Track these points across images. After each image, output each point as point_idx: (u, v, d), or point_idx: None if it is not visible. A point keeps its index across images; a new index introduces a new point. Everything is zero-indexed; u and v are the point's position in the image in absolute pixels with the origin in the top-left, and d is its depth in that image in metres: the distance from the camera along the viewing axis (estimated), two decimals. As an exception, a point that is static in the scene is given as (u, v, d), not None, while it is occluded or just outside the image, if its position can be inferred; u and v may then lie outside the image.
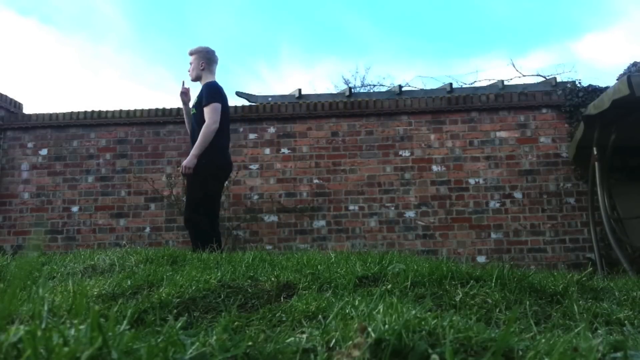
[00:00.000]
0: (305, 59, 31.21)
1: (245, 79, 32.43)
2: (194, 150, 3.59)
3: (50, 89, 30.30)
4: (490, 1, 29.89)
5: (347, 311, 1.15)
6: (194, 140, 3.77)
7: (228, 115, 3.90)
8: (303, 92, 6.33)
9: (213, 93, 3.71)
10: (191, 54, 3.93)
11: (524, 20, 28.42)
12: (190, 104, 3.93)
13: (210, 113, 3.63)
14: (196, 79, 3.92)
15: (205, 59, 3.87)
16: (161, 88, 32.51)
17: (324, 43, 32.26)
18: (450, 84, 6.36)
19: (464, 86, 7.80)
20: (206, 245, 3.33)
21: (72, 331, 0.72)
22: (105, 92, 29.04)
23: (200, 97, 3.78)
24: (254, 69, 30.95)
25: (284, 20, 31.78)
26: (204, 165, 3.60)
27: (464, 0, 27.96)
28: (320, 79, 33.19)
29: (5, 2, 25.85)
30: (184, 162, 3.60)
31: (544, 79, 7.27)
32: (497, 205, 5.26)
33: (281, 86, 33.18)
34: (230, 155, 3.96)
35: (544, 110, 5.47)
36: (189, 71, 3.95)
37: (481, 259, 5.10)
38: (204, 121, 3.67)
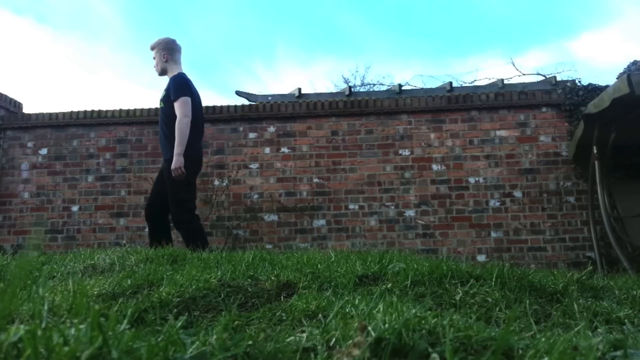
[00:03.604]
0: (302, 59, 31.22)
1: (242, 79, 32.44)
2: (177, 149, 3.52)
3: (47, 89, 30.30)
4: (486, 0, 29.87)
5: (347, 310, 1.15)
6: (164, 133, 3.72)
7: (200, 108, 3.83)
8: (303, 92, 6.33)
9: (181, 87, 3.64)
10: (152, 48, 3.86)
11: (520, 19, 28.42)
12: (158, 98, 3.88)
13: (181, 107, 3.57)
14: (162, 72, 3.85)
15: (166, 50, 3.80)
16: (159, 87, 32.48)
17: (320, 42, 32.25)
18: (450, 82, 6.36)
19: (464, 85, 7.81)
20: (203, 243, 3.34)
21: (72, 331, 0.72)
22: (103, 92, 29.05)
23: (168, 90, 3.71)
24: (250, 69, 30.94)
25: (279, 20, 31.77)
26: (185, 163, 3.57)
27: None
28: (319, 79, 33.21)
29: (1, 2, 25.84)
30: (173, 166, 3.53)
31: (543, 78, 7.27)
32: (497, 204, 5.26)
33: (278, 86, 33.17)
34: (202, 148, 3.95)
35: (544, 109, 5.46)
36: (154, 67, 3.88)
37: (481, 257, 5.10)
38: (172, 115, 3.61)
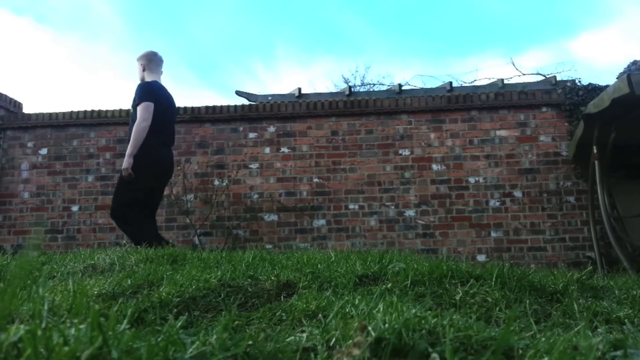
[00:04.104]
0: (302, 59, 31.22)
1: (242, 79, 32.44)
2: (128, 150, 3.64)
3: (47, 89, 30.31)
4: (486, 0, 29.87)
5: (347, 310, 1.15)
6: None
7: (167, 113, 3.89)
8: (303, 91, 6.33)
9: (143, 92, 3.77)
10: (137, 60, 4.06)
11: (519, 19, 28.39)
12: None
13: (141, 112, 3.68)
14: (141, 81, 4.02)
15: (145, 60, 3.98)
16: (160, 87, 32.41)
17: (320, 42, 32.23)
18: (450, 82, 6.37)
19: (464, 85, 7.81)
20: (136, 241, 3.39)
21: (72, 330, 0.72)
22: (103, 92, 29.07)
23: (135, 96, 3.84)
24: (250, 69, 30.94)
25: (279, 20, 31.76)
26: (134, 163, 3.64)
27: (459, -1, 27.96)
28: (319, 78, 33.21)
29: (1, 2, 25.87)
30: (122, 166, 3.64)
31: (543, 78, 7.27)
32: (497, 204, 5.26)
33: (278, 86, 33.17)
34: (170, 152, 3.96)
35: (544, 109, 5.46)
36: (138, 76, 4.08)
37: (481, 257, 5.10)
38: None
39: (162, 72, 4.07)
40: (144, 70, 3.97)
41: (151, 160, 3.70)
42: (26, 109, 6.05)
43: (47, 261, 2.36)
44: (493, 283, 1.62)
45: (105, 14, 30.87)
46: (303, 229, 5.35)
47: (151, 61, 3.98)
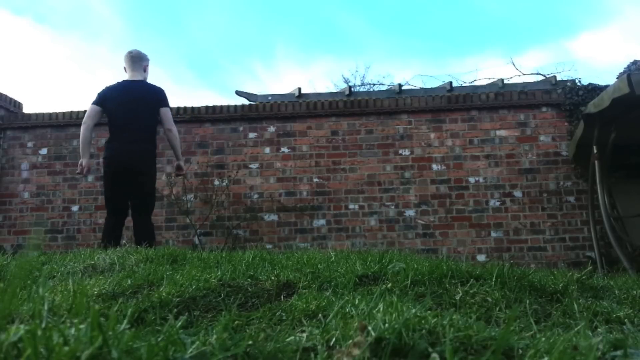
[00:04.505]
0: (302, 59, 31.24)
1: (242, 79, 32.46)
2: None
3: (47, 89, 30.32)
4: (486, 0, 29.87)
5: (347, 310, 1.15)
6: None
7: (125, 111, 3.84)
8: (303, 91, 6.33)
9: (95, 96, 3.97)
10: None
11: (519, 19, 28.41)
12: None
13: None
14: None
15: (124, 62, 4.08)
16: (160, 87, 32.40)
17: (320, 42, 32.27)
18: (450, 82, 6.37)
19: (464, 85, 7.81)
20: (103, 240, 3.58)
21: (72, 330, 0.72)
22: (104, 92, 28.99)
23: None
24: (250, 69, 30.95)
25: (278, 20, 31.77)
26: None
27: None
28: (319, 78, 33.24)
29: (0, 2, 25.88)
30: None
31: (543, 78, 7.27)
32: (497, 203, 5.26)
33: (278, 86, 33.20)
34: (129, 146, 3.78)
35: (544, 109, 5.46)
36: None
37: (481, 257, 5.10)
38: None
39: (142, 66, 4.01)
40: (125, 72, 4.06)
41: (104, 156, 3.92)
42: (26, 109, 6.06)
43: (47, 261, 2.36)
44: (493, 283, 1.62)
45: (104, 14, 30.89)
46: (303, 229, 5.35)
47: (125, 62, 4.05)
